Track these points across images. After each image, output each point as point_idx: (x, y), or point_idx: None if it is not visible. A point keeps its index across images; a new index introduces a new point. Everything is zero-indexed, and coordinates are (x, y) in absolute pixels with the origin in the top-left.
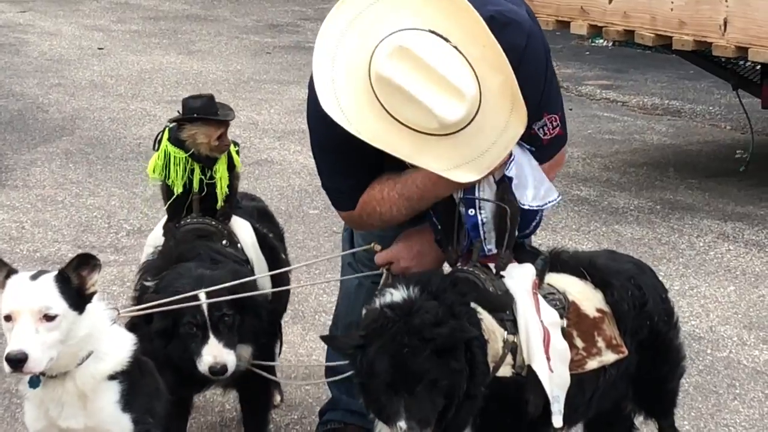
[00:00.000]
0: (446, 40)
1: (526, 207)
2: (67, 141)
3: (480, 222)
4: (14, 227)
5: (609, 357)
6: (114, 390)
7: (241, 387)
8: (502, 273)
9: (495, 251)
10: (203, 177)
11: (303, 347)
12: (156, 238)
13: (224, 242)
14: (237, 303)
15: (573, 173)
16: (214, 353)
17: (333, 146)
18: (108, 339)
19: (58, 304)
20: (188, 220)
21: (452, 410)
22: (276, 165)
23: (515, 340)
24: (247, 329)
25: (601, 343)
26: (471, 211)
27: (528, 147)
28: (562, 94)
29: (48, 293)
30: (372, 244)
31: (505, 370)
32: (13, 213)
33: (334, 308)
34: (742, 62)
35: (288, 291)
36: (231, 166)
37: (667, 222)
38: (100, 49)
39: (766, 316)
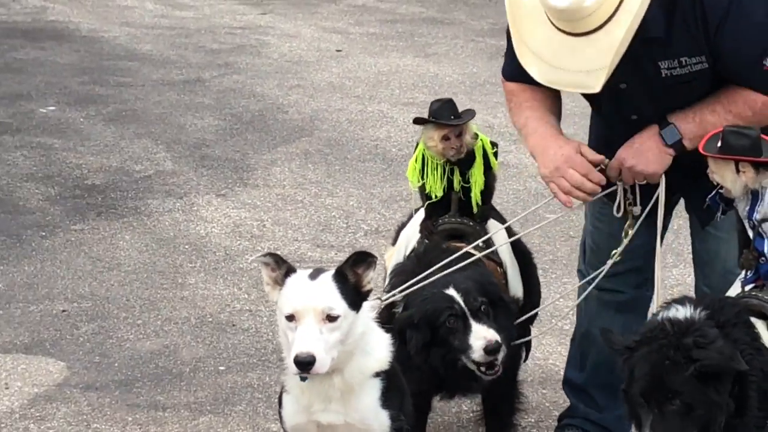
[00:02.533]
0: None
1: None
2: (306, 141)
3: (767, 249)
4: (256, 225)
5: None
6: (376, 387)
7: (486, 392)
8: None
9: None
10: (461, 179)
11: (540, 351)
12: (411, 234)
13: (480, 243)
14: (488, 296)
15: None
16: (483, 335)
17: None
18: (374, 336)
19: (340, 305)
20: (445, 219)
21: None
22: (512, 168)
23: None
24: (500, 324)
25: None
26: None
27: None
28: None
29: (330, 293)
30: (602, 160)
31: None
32: (255, 211)
33: (569, 313)
34: None
35: (539, 297)
36: (487, 168)
37: None
38: (338, 51)
39: None
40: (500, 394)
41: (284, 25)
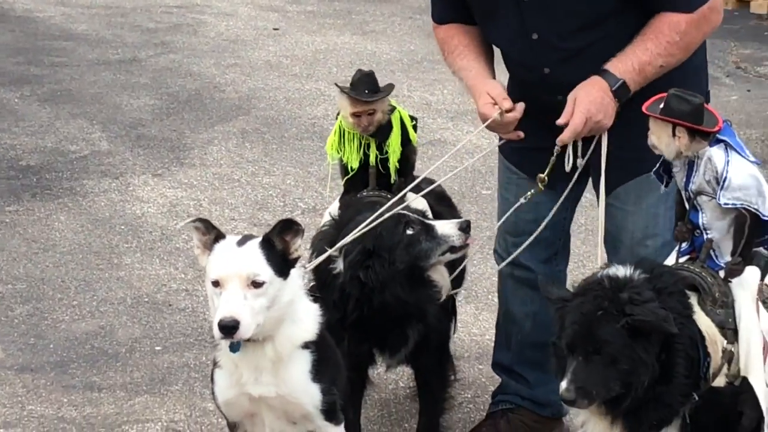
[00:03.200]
0: None
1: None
2: (243, 120)
3: (701, 222)
4: (192, 205)
5: None
6: (306, 359)
7: (416, 365)
8: (729, 279)
9: (723, 265)
10: (378, 152)
11: (476, 327)
12: (334, 209)
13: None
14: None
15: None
16: (447, 223)
17: None
18: (302, 305)
19: (265, 271)
20: (364, 194)
21: (626, 402)
22: (449, 145)
23: (732, 349)
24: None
25: None
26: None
27: (754, 160)
28: (740, 75)
29: (255, 259)
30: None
31: (720, 380)
32: (191, 191)
33: None
34: None
35: (464, 271)
36: (406, 141)
37: None
38: (275, 29)
39: None
40: (431, 368)
41: (221, 4)
